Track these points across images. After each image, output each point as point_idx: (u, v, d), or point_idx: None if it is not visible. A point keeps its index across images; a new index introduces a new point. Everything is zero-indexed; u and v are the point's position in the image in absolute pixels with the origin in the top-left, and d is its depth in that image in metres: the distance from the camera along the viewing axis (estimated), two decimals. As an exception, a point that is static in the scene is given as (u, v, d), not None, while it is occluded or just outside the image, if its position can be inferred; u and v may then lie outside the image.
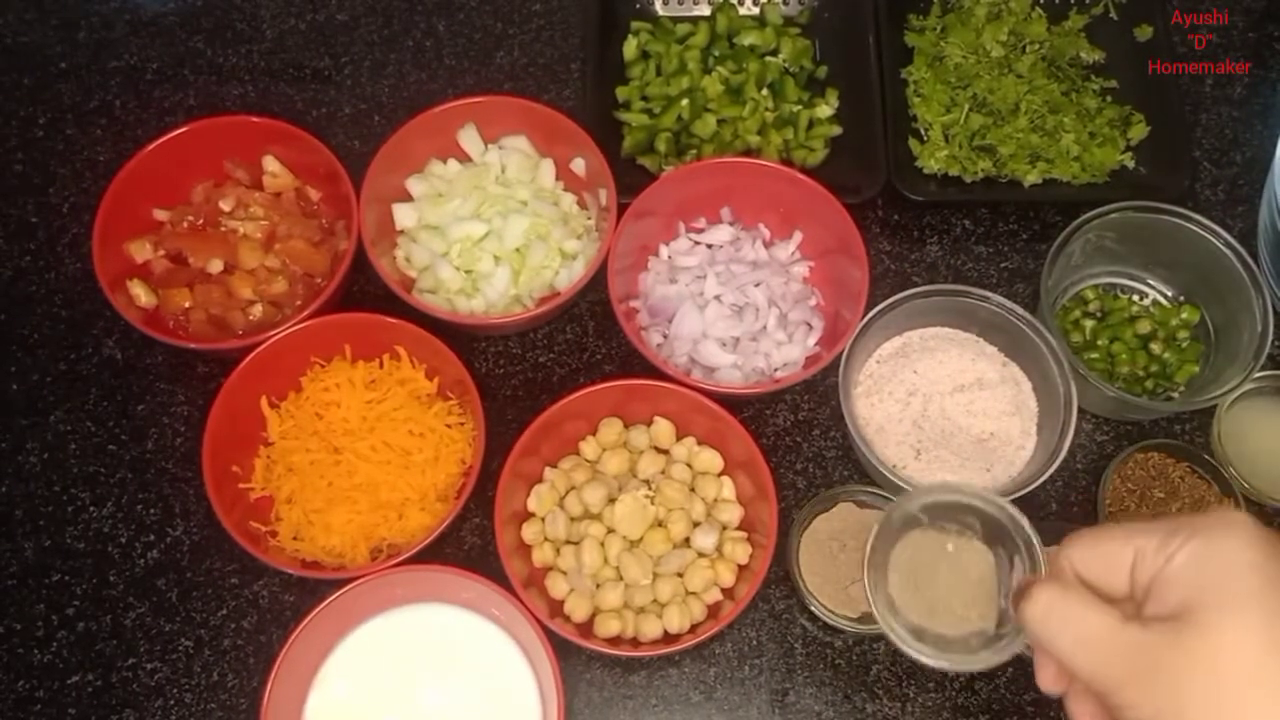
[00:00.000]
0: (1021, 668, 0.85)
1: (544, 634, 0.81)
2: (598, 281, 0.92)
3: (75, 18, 1.12)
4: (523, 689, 0.83)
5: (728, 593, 0.87)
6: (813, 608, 0.87)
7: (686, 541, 0.88)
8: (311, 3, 1.13)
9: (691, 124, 1.03)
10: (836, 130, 1.05)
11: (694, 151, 1.03)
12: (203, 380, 0.97)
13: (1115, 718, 0.56)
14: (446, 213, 0.97)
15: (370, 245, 0.92)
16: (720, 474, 0.90)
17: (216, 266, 0.96)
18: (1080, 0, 1.09)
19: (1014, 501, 0.91)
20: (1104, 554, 0.58)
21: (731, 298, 0.95)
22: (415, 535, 0.87)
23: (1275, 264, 0.91)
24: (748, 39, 1.07)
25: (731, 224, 1.00)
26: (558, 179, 1.01)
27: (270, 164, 0.99)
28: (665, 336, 0.95)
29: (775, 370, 0.94)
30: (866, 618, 0.88)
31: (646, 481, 0.89)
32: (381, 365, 0.93)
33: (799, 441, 0.96)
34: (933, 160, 1.01)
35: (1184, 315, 0.96)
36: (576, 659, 0.88)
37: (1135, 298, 0.99)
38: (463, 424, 0.91)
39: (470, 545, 0.92)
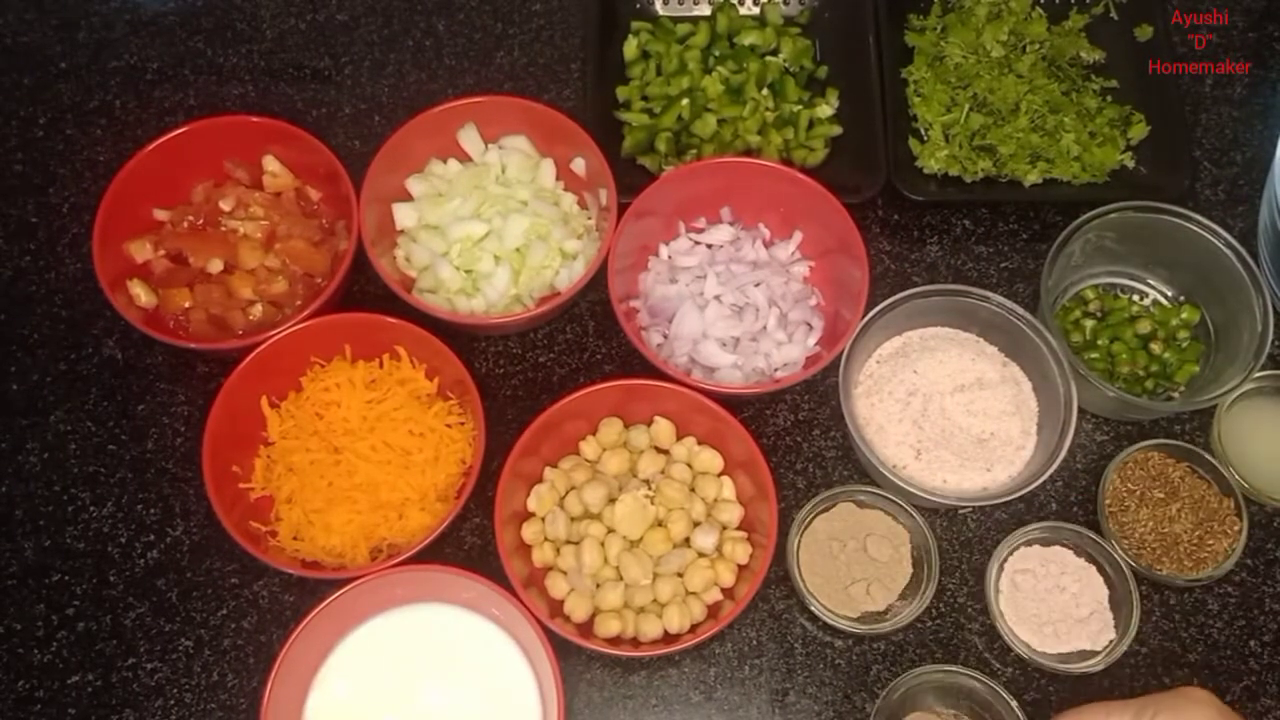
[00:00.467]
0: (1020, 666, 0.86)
1: (544, 634, 0.81)
2: (598, 281, 0.92)
3: (75, 18, 1.12)
4: (523, 689, 0.83)
5: (728, 593, 0.87)
6: (813, 608, 0.87)
7: (686, 541, 0.88)
8: (311, 3, 1.13)
9: (692, 124, 1.03)
10: (836, 130, 1.05)
11: (694, 151, 1.03)
12: (203, 380, 0.97)
13: None
14: (446, 213, 0.97)
15: (370, 245, 0.92)
16: (720, 474, 0.90)
17: (216, 266, 0.96)
18: (1080, 0, 1.09)
19: (1014, 502, 0.91)
20: None
21: (731, 298, 0.95)
22: (415, 535, 0.87)
23: (1275, 264, 0.91)
24: (748, 39, 1.07)
25: (731, 224, 1.00)
26: (558, 179, 1.01)
27: (270, 164, 0.99)
28: (665, 336, 0.95)
29: (775, 370, 0.94)
30: (867, 617, 0.88)
31: (646, 481, 0.89)
32: (381, 365, 0.93)
33: (799, 441, 0.96)
34: (933, 160, 1.01)
35: (1184, 315, 0.96)
36: (576, 659, 0.88)
37: (1135, 298, 0.99)
38: (463, 424, 0.91)
39: (470, 545, 0.92)
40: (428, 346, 0.90)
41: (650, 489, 0.89)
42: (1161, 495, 0.91)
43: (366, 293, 1.00)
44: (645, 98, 1.06)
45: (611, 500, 0.88)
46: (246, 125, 0.98)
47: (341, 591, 0.82)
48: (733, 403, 0.90)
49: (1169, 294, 0.99)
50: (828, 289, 0.98)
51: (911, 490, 0.87)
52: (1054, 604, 0.88)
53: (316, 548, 0.87)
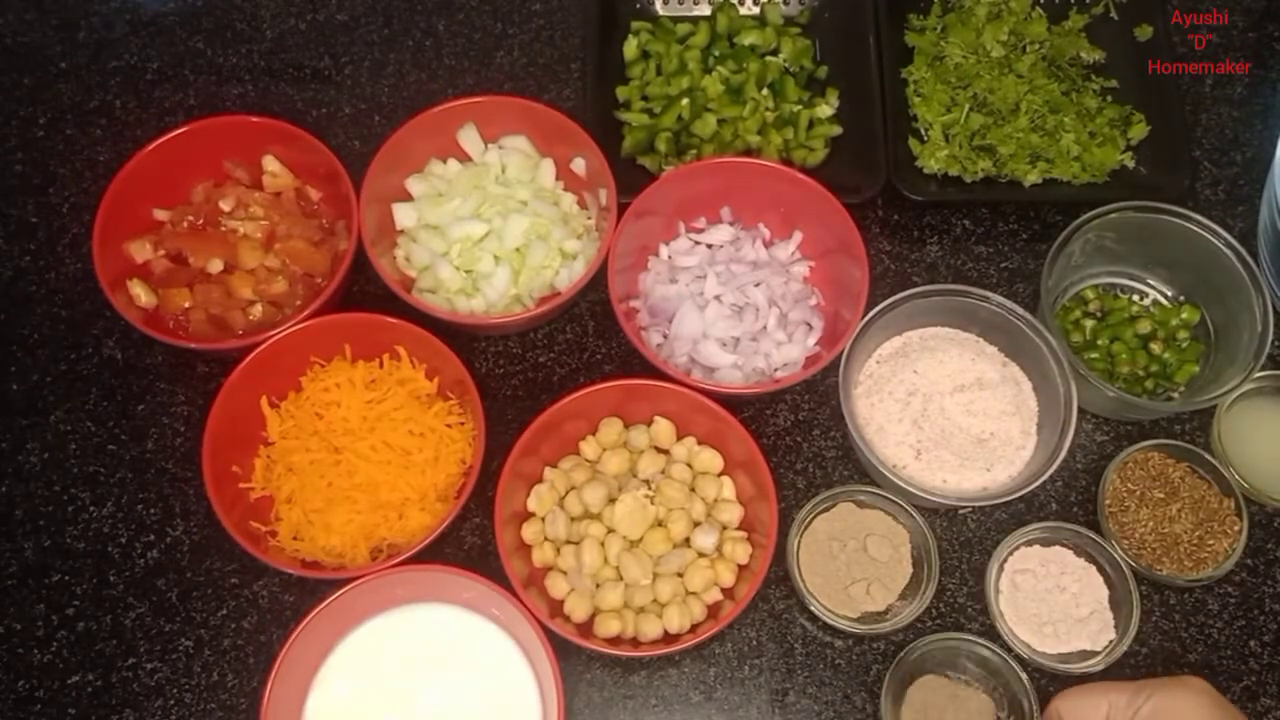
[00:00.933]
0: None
1: (544, 634, 0.81)
2: (598, 281, 0.92)
3: (75, 18, 1.12)
4: (523, 689, 0.83)
5: (728, 593, 0.87)
6: (813, 608, 0.87)
7: (686, 541, 0.88)
8: (311, 3, 1.13)
9: (691, 124, 1.03)
10: (836, 130, 1.04)
11: (694, 151, 1.03)
12: (203, 380, 0.97)
13: None
14: (446, 212, 0.97)
15: (370, 245, 0.92)
16: (720, 474, 0.90)
17: (216, 266, 0.96)
18: (1080, 0, 1.09)
19: (1014, 502, 0.91)
20: (1087, 705, 0.77)
21: (731, 298, 0.95)
22: (415, 535, 0.87)
23: (1275, 264, 0.91)
24: (748, 39, 1.07)
25: (731, 224, 1.00)
26: (558, 179, 1.01)
27: (270, 164, 0.99)
28: (665, 336, 0.95)
29: (775, 370, 0.94)
30: (866, 617, 0.88)
31: (646, 481, 0.89)
32: (381, 365, 0.93)
33: (799, 441, 0.96)
34: (933, 160, 1.01)
35: (1184, 315, 0.96)
36: (576, 659, 0.88)
37: (1135, 298, 0.99)
38: (463, 424, 0.91)
39: (470, 545, 0.92)
40: (428, 346, 0.90)
41: (650, 489, 0.89)
42: (1161, 495, 0.91)
43: (366, 293, 1.00)
44: (645, 98, 1.06)
45: (611, 500, 0.88)
46: (246, 125, 0.98)
47: (341, 591, 0.82)
48: (733, 403, 0.90)
49: (1169, 294, 0.99)
50: (828, 289, 0.98)
51: (911, 490, 0.87)
52: (1054, 604, 0.88)
53: (316, 548, 0.87)
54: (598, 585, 0.87)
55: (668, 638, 0.85)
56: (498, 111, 0.99)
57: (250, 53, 1.11)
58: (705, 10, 1.11)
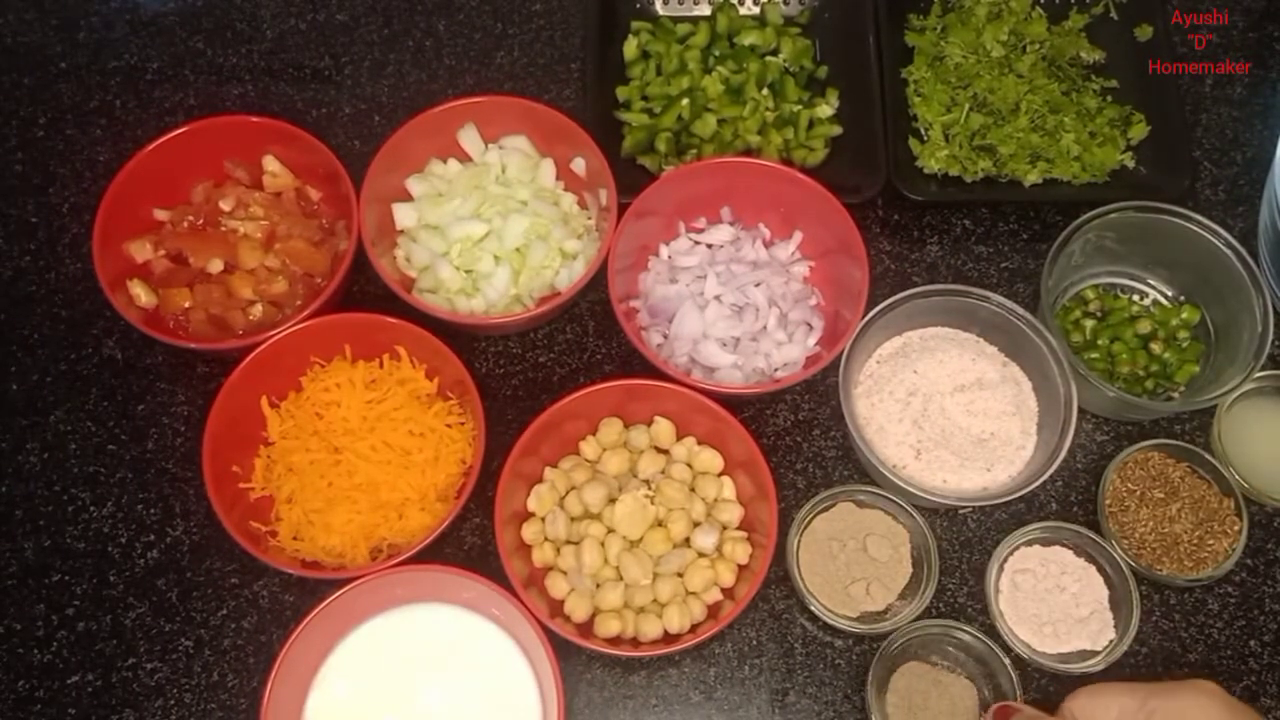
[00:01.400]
0: (1021, 667, 0.86)
1: (544, 634, 0.81)
2: (598, 281, 0.92)
3: (75, 18, 1.12)
4: (523, 689, 0.83)
5: (728, 593, 0.87)
6: (813, 608, 0.87)
7: (686, 541, 0.88)
8: (311, 3, 1.13)
9: (692, 124, 1.03)
10: (836, 130, 1.04)
11: (694, 151, 1.03)
12: (203, 380, 0.97)
13: None
14: (446, 212, 0.97)
15: (370, 245, 0.92)
16: (720, 474, 0.90)
17: (216, 266, 0.96)
18: (1080, 0, 1.09)
19: (1014, 501, 0.91)
20: (1097, 705, 0.77)
21: (731, 298, 0.95)
22: (415, 535, 0.87)
23: (1275, 264, 0.91)
24: (748, 39, 1.07)
25: (732, 224, 1.00)
26: (558, 179, 1.01)
27: (270, 164, 0.99)
28: (665, 336, 0.95)
29: (775, 370, 0.94)
30: (866, 617, 0.88)
31: (646, 481, 0.89)
32: (381, 365, 0.93)
33: (799, 441, 0.96)
34: (933, 160, 1.01)
35: (1184, 315, 0.96)
36: (576, 659, 0.88)
37: (1135, 298, 0.99)
38: (463, 424, 0.91)
39: (470, 545, 0.92)
40: (428, 346, 0.90)
41: (650, 489, 0.89)
42: (1161, 495, 0.91)
43: (366, 293, 1.00)
44: (645, 98, 1.06)
45: (611, 500, 0.88)
46: (246, 125, 0.98)
47: (341, 591, 0.82)
48: (733, 403, 0.90)
49: (1169, 294, 0.99)
50: (828, 289, 0.98)
51: (911, 490, 0.87)
52: (1054, 604, 0.88)
53: (316, 548, 0.87)
54: (598, 585, 0.87)
55: (668, 638, 0.85)
56: (498, 111, 0.99)
57: (250, 53, 1.11)
58: (705, 10, 1.11)
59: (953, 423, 0.91)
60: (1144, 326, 0.96)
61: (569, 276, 0.96)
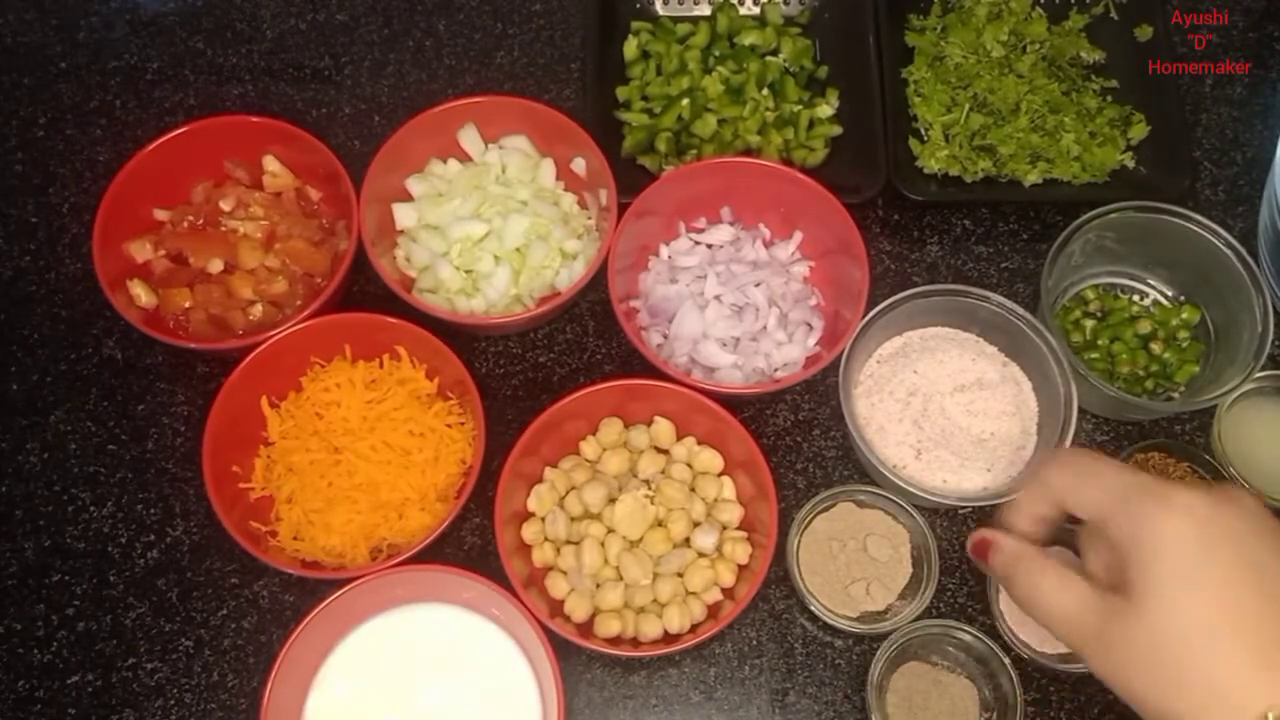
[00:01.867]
0: (1022, 667, 0.86)
1: (544, 634, 0.81)
2: (598, 281, 0.92)
3: (75, 18, 1.12)
4: (523, 689, 0.83)
5: (728, 593, 0.87)
6: (813, 608, 0.87)
7: (686, 541, 0.88)
8: (311, 3, 1.13)
9: (692, 124, 1.03)
10: (837, 130, 1.05)
11: (694, 151, 1.03)
12: (203, 380, 0.97)
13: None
14: (447, 212, 0.97)
15: (370, 245, 0.92)
16: (720, 474, 0.90)
17: (216, 266, 0.96)
18: (1080, 0, 1.09)
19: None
20: (1086, 484, 0.63)
21: (732, 298, 0.95)
22: (415, 535, 0.87)
23: (1275, 264, 0.91)
24: (748, 39, 1.07)
25: (732, 224, 1.00)
26: (558, 179, 1.01)
27: (270, 164, 0.99)
28: (665, 336, 0.95)
29: (775, 370, 0.94)
30: (866, 617, 0.88)
31: (646, 481, 0.89)
32: (381, 365, 0.93)
33: (799, 441, 0.96)
34: (933, 160, 1.01)
35: (1184, 315, 0.96)
36: (576, 659, 0.88)
37: (1135, 298, 0.99)
38: (463, 424, 0.91)
39: (470, 545, 0.92)
40: (428, 346, 0.90)
41: (650, 489, 0.89)
42: (1161, 495, 0.90)
43: (366, 293, 1.00)
44: (645, 98, 1.06)
45: (611, 500, 0.88)
46: (246, 125, 0.98)
47: (341, 591, 0.82)
48: (733, 403, 0.90)
49: (1169, 294, 0.99)
50: (828, 289, 0.98)
51: (911, 490, 0.87)
52: (1054, 604, 0.88)
53: (316, 548, 0.87)
54: (598, 585, 0.87)
55: (668, 638, 0.85)
56: (498, 111, 0.99)
57: (250, 53, 1.11)
58: (705, 10, 1.11)
59: (953, 423, 0.91)
60: (1144, 326, 0.96)
61: (569, 276, 0.96)
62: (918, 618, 0.86)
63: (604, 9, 1.08)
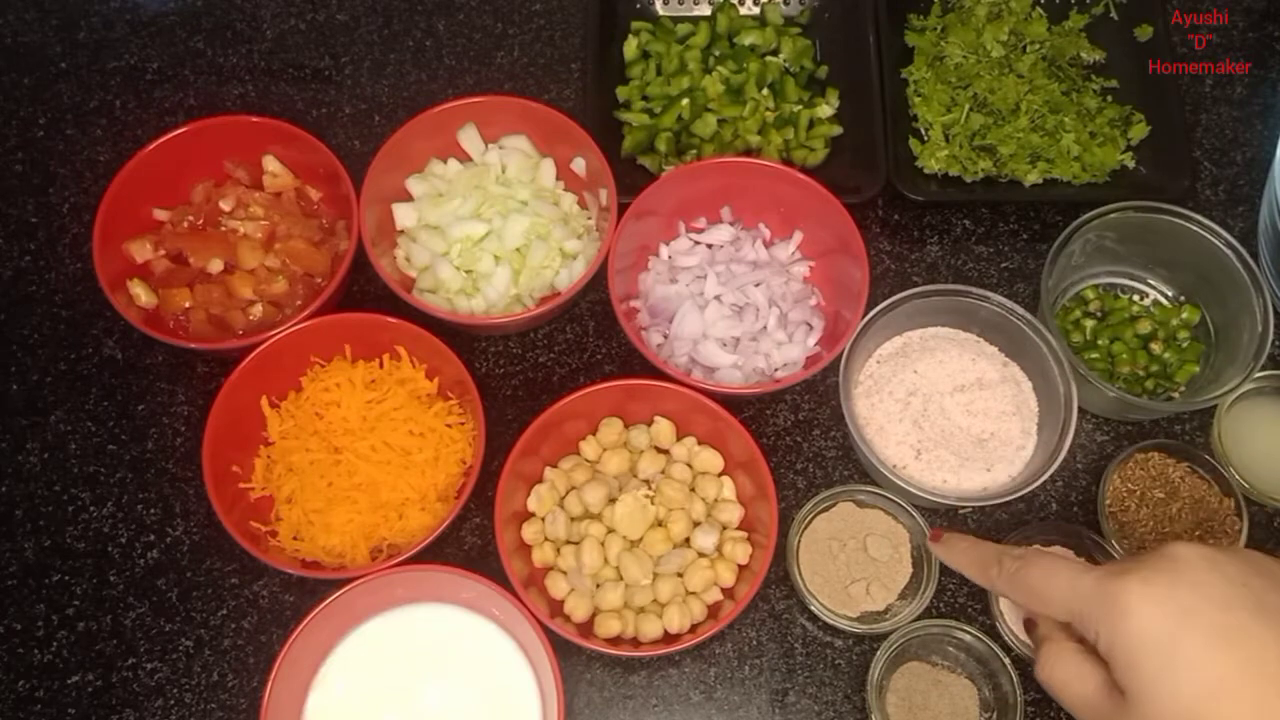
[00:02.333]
0: (1022, 667, 0.86)
1: (544, 634, 0.81)
2: (598, 281, 0.92)
3: (75, 18, 1.12)
4: (523, 689, 0.83)
5: (728, 593, 0.87)
6: (813, 608, 0.87)
7: (686, 541, 0.88)
8: (311, 3, 1.13)
9: (692, 124, 1.03)
10: (837, 130, 1.05)
11: (694, 151, 1.03)
12: (203, 380, 0.97)
13: None
14: (447, 212, 0.97)
15: (370, 245, 0.92)
16: (720, 474, 0.90)
17: (216, 266, 0.96)
18: (1080, 0, 1.09)
19: (1014, 501, 0.91)
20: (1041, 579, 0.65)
21: (732, 298, 0.95)
22: (415, 535, 0.87)
23: (1275, 264, 0.91)
24: (748, 39, 1.07)
25: (732, 224, 1.00)
26: (558, 179, 1.01)
27: (270, 164, 0.99)
28: (665, 336, 0.95)
29: (775, 370, 0.94)
30: (866, 617, 0.88)
31: (646, 481, 0.89)
32: (381, 365, 0.93)
33: (799, 441, 0.96)
34: (933, 160, 1.01)
35: (1184, 315, 0.96)
36: (576, 659, 0.88)
37: (1135, 298, 0.99)
38: (463, 424, 0.91)
39: (470, 545, 0.92)
40: (428, 346, 0.90)
41: (650, 489, 0.89)
42: (1161, 495, 0.91)
43: (366, 293, 1.00)
44: (645, 98, 1.06)
45: (611, 500, 0.88)
46: (246, 125, 0.98)
47: (341, 591, 0.82)
48: (733, 403, 0.90)
49: (1169, 294, 0.99)
50: (828, 289, 0.98)
51: (911, 490, 0.87)
52: (1054, 604, 0.88)
53: (316, 548, 0.87)
54: (598, 585, 0.87)
55: (668, 638, 0.85)
56: (498, 111, 0.99)
57: (250, 53, 1.11)
58: (705, 10, 1.11)
59: (953, 423, 0.91)
60: (1144, 326, 0.96)
61: (569, 276, 0.96)
62: (918, 618, 0.86)
63: (604, 9, 1.08)
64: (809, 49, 1.08)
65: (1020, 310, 0.91)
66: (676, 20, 1.10)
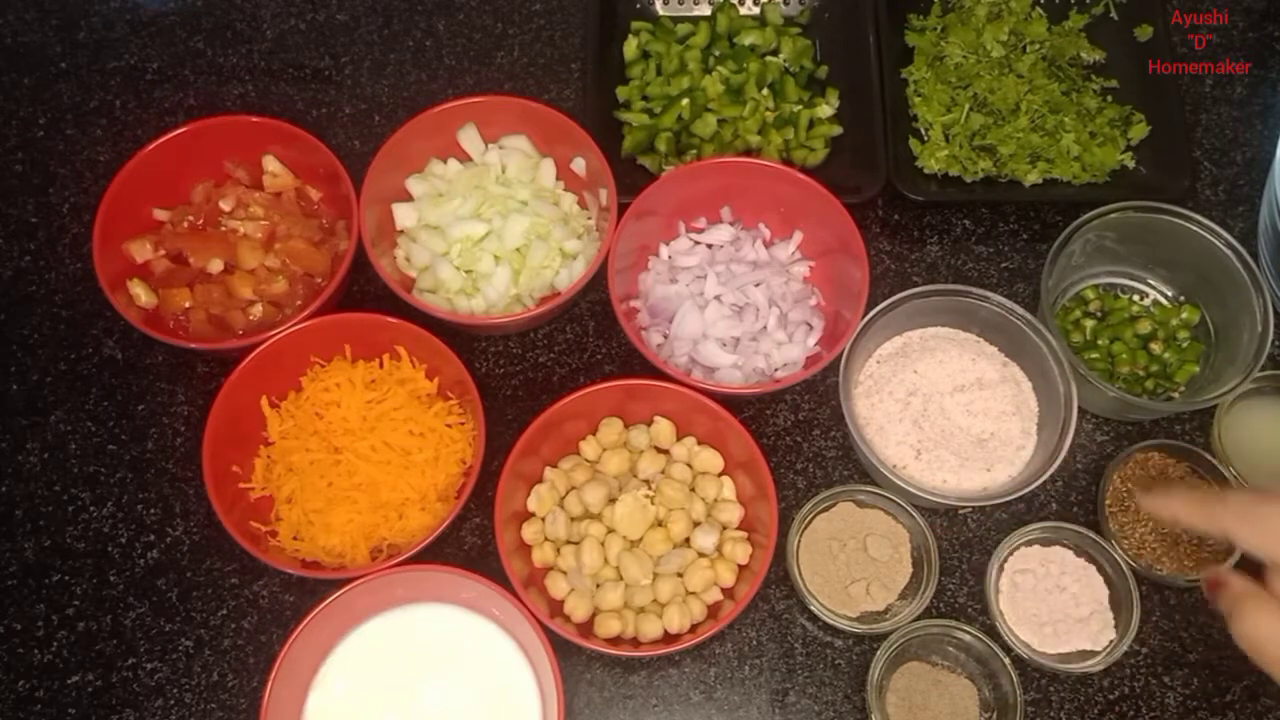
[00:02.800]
0: (1022, 667, 0.86)
1: (544, 634, 0.81)
2: (598, 281, 0.92)
3: (75, 18, 1.12)
4: (523, 689, 0.83)
5: (728, 593, 0.87)
6: (813, 608, 0.87)
7: (686, 541, 0.88)
8: (311, 3, 1.13)
9: (692, 124, 1.03)
10: (837, 130, 1.05)
11: (694, 151, 1.03)
12: (203, 380, 0.97)
13: None
14: (447, 212, 0.97)
15: (370, 245, 0.92)
16: (720, 474, 0.90)
17: (216, 266, 0.96)
18: (1080, 0, 1.09)
19: (1014, 502, 0.91)
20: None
21: (732, 298, 0.95)
22: (415, 535, 0.87)
23: (1275, 264, 0.91)
24: (748, 39, 1.07)
25: (732, 224, 1.00)
26: (558, 179, 1.01)
27: (270, 164, 0.99)
28: (665, 336, 0.95)
29: (775, 370, 0.94)
30: (866, 617, 0.88)
31: (646, 481, 0.89)
32: (381, 365, 0.93)
33: (799, 441, 0.96)
34: (933, 160, 1.01)
35: (1184, 315, 0.96)
36: (576, 659, 0.88)
37: (1135, 298, 0.99)
38: (463, 424, 0.91)
39: (470, 545, 0.92)
40: (428, 346, 0.90)
41: (650, 489, 0.89)
42: (1162, 495, 0.90)
43: (366, 293, 1.00)
44: (645, 98, 1.06)
45: (611, 500, 0.88)
46: (246, 125, 0.98)
47: (341, 591, 0.82)
48: (733, 403, 0.90)
49: (1169, 294, 0.99)
50: (828, 289, 0.98)
51: (911, 490, 0.87)
52: (1054, 604, 0.88)
53: (316, 548, 0.87)
54: (598, 585, 0.87)
55: (668, 638, 0.85)
56: (498, 111, 0.99)
57: (250, 53, 1.11)
58: (705, 10, 1.11)
59: (953, 423, 0.91)
60: (1144, 326, 0.96)
61: (569, 276, 0.96)
62: (918, 618, 0.86)
63: (604, 9, 1.08)
64: (809, 49, 1.08)
65: (1020, 310, 0.91)
66: (676, 20, 1.10)
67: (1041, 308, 0.93)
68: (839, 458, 0.95)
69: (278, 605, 0.90)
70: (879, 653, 0.85)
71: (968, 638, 0.85)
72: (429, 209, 0.97)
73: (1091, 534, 0.89)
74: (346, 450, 0.89)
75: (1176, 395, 0.95)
